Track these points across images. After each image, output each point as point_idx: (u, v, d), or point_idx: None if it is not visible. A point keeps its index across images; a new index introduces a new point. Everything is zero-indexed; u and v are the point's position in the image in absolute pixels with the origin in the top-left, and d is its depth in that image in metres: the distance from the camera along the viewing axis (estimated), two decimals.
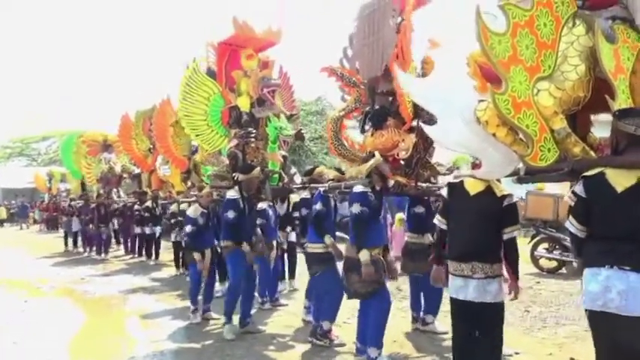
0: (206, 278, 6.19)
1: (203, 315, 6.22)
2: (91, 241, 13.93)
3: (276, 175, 6.53)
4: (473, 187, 3.51)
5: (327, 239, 5.01)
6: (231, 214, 5.31)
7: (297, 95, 7.94)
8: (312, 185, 6.04)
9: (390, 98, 5.11)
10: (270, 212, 6.27)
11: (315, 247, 5.13)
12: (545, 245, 9.24)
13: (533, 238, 9.52)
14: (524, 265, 7.37)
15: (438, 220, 3.72)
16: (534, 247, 9.34)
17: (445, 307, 4.40)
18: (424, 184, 5.16)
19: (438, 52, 4.22)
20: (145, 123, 11.41)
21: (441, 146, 3.75)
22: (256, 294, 6.10)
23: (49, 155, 39.55)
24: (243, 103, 6.48)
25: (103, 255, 13.14)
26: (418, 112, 4.73)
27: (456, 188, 3.59)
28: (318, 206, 5.08)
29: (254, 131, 6.41)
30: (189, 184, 9.19)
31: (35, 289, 9.27)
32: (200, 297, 6.37)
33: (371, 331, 4.29)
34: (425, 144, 4.92)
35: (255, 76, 6.42)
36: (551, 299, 7.03)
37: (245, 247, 5.32)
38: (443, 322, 5.26)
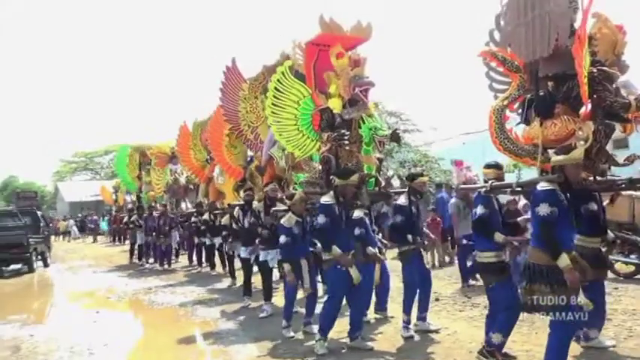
0: (309, 289, 5.82)
1: (303, 328, 5.86)
2: (153, 252, 13.83)
3: (373, 180, 6.13)
4: None
5: (497, 237, 4.40)
6: (321, 219, 4.97)
7: None
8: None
9: (551, 83, 4.57)
10: (367, 220, 5.79)
11: (484, 257, 4.52)
12: (621, 249, 8.09)
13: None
14: None
15: None
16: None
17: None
18: (602, 178, 4.43)
19: None
20: (202, 133, 11.34)
21: None
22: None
23: (112, 168, 40.80)
24: (335, 105, 6.16)
25: (165, 266, 13.08)
26: (598, 94, 4.15)
27: None
28: (479, 210, 4.51)
29: (347, 133, 6.07)
30: (241, 194, 8.87)
31: (105, 300, 9.39)
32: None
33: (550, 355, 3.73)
34: (606, 131, 4.30)
35: (346, 75, 6.09)
36: (633, 306, 6.14)
37: (335, 250, 4.91)
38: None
